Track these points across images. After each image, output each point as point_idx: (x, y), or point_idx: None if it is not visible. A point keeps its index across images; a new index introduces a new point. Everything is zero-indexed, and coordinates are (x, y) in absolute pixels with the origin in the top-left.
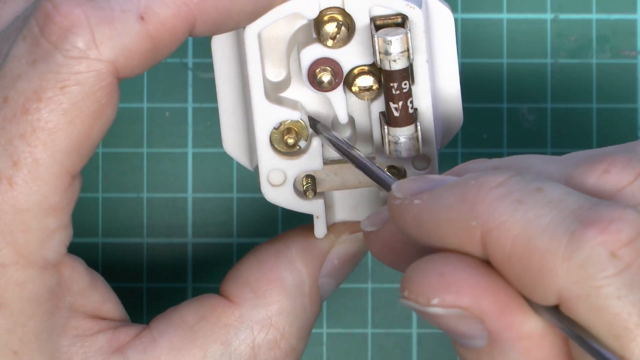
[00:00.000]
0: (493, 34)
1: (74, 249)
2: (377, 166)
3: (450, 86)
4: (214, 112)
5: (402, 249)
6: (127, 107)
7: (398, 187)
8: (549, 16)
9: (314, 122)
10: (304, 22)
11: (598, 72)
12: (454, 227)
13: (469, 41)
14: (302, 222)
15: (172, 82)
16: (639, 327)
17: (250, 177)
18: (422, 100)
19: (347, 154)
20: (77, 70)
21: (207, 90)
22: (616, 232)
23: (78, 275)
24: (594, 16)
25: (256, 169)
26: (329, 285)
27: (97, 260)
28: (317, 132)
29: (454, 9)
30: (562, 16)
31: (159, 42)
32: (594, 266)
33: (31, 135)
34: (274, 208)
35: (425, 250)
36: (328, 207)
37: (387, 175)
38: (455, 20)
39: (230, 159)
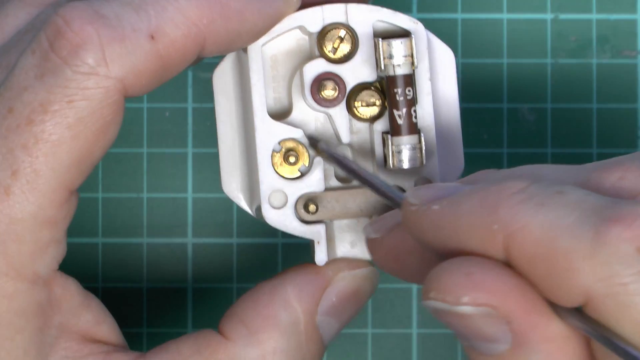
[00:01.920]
0: (493, 34)
1: (74, 249)
2: (384, 182)
3: (451, 125)
4: (214, 112)
5: (408, 258)
6: (127, 107)
7: (413, 193)
8: (549, 16)
9: (314, 141)
10: (306, 38)
11: (598, 72)
12: (475, 232)
13: (469, 41)
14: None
15: (172, 82)
16: None
17: None
18: (426, 119)
19: (352, 171)
20: (85, 85)
21: (207, 90)
22: None
23: (70, 294)
24: (594, 16)
25: (256, 211)
26: (329, 325)
27: (97, 260)
28: (318, 151)
29: (454, 9)
30: (562, 16)
31: (168, 62)
32: (620, 263)
33: (33, 146)
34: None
35: (436, 257)
36: (328, 240)
37: (395, 189)
38: (455, 20)
39: None
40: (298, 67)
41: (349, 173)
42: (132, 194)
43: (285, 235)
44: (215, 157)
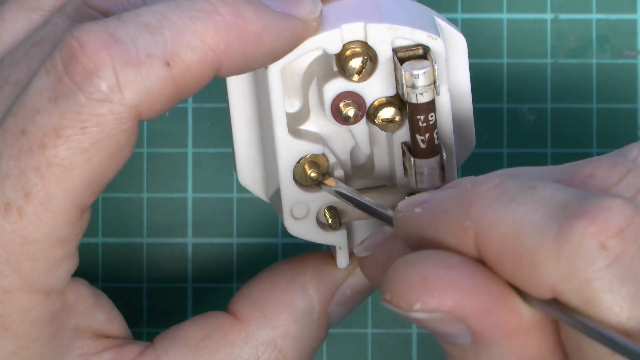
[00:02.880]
0: (493, 34)
1: None
2: (377, 203)
3: (464, 109)
4: (214, 112)
5: None
6: None
7: (402, 202)
8: (549, 16)
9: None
10: (320, 52)
11: (598, 72)
12: (450, 229)
13: (469, 41)
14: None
15: None
16: (630, 321)
17: None
18: (445, 128)
19: (347, 197)
20: (98, 112)
21: (208, 90)
22: (605, 222)
23: (82, 297)
24: (594, 16)
25: (272, 199)
26: (338, 314)
27: (97, 260)
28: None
29: (454, 9)
30: (562, 16)
31: (182, 87)
32: (583, 259)
33: (46, 170)
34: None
35: None
36: (348, 237)
37: (387, 209)
38: (455, 20)
39: (230, 158)
40: (313, 75)
41: (344, 199)
42: (132, 194)
43: (285, 235)
44: (216, 156)
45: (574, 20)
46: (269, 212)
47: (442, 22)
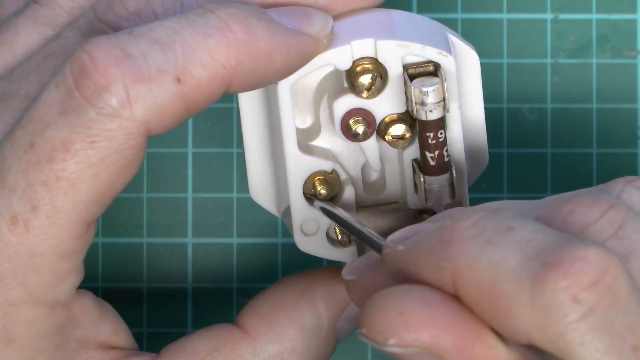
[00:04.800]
0: (493, 34)
1: None
2: (369, 230)
3: (476, 126)
4: (214, 112)
5: None
6: None
7: (390, 237)
8: (549, 16)
9: (311, 201)
10: (331, 69)
11: (598, 72)
12: (429, 269)
13: (469, 41)
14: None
15: None
16: None
17: None
18: (455, 145)
19: (343, 223)
20: (108, 127)
21: None
22: (578, 274)
23: (88, 310)
24: (594, 16)
25: (283, 214)
26: (347, 330)
27: (97, 260)
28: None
29: (454, 9)
30: (562, 16)
31: (192, 103)
32: (556, 312)
33: (54, 183)
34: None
35: None
36: (358, 253)
37: (378, 237)
38: (455, 20)
39: (230, 158)
40: (324, 91)
41: (347, 229)
42: (132, 194)
43: (285, 235)
44: (216, 156)
45: (574, 20)
46: (269, 212)
47: (454, 39)
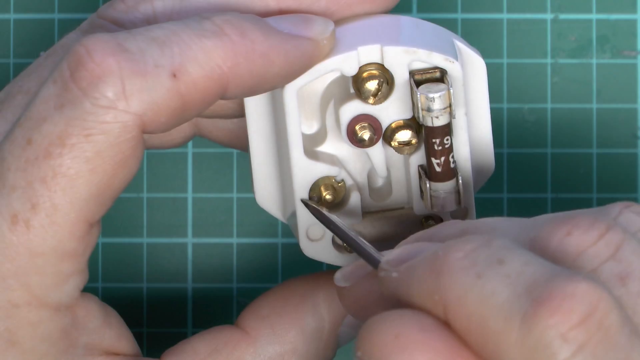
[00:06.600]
0: (493, 34)
1: None
2: (366, 244)
3: (483, 133)
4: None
5: (372, 307)
6: None
7: (386, 259)
8: (549, 16)
9: (308, 205)
10: (338, 74)
11: (598, 72)
12: (421, 298)
13: (469, 41)
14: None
15: None
16: None
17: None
18: (461, 152)
19: (340, 233)
20: (103, 120)
21: None
22: (567, 312)
23: (92, 314)
24: (594, 16)
25: (290, 219)
26: (348, 335)
27: (97, 260)
28: (310, 210)
29: (454, 9)
30: (562, 16)
31: (188, 101)
32: (545, 351)
33: (52, 180)
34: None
35: None
36: None
37: (375, 252)
38: (455, 20)
39: (230, 158)
40: (331, 97)
41: (337, 235)
42: (132, 194)
43: (285, 235)
44: (216, 156)
45: (574, 20)
46: (269, 213)
47: (461, 45)
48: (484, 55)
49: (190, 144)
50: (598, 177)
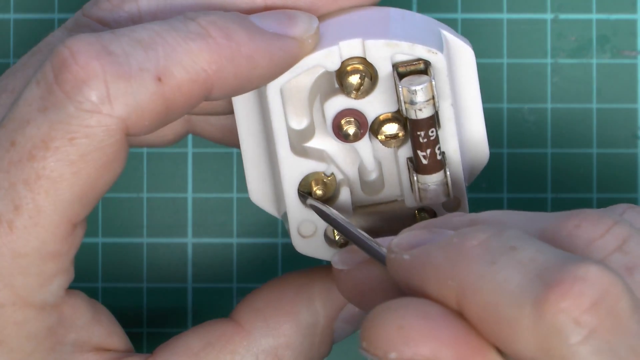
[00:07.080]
0: (493, 34)
1: None
2: (368, 236)
3: (474, 122)
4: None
5: (372, 295)
6: None
7: (395, 242)
8: (549, 16)
9: (304, 198)
10: (323, 69)
11: (598, 72)
12: (434, 284)
13: (469, 41)
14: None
15: None
16: None
17: None
18: (450, 144)
19: (339, 227)
20: (87, 123)
21: None
22: (578, 295)
23: (80, 312)
24: (594, 16)
25: (284, 216)
26: (344, 331)
27: (97, 260)
28: (307, 206)
29: (454, 9)
30: (562, 16)
31: (173, 105)
32: (558, 335)
33: (35, 182)
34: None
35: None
36: None
37: (377, 244)
38: (455, 20)
39: (230, 158)
40: (318, 92)
41: (336, 229)
42: (132, 194)
43: (285, 235)
44: (216, 156)
45: (574, 20)
46: (267, 212)
47: (449, 35)
48: (484, 55)
49: (190, 144)
50: (598, 177)
